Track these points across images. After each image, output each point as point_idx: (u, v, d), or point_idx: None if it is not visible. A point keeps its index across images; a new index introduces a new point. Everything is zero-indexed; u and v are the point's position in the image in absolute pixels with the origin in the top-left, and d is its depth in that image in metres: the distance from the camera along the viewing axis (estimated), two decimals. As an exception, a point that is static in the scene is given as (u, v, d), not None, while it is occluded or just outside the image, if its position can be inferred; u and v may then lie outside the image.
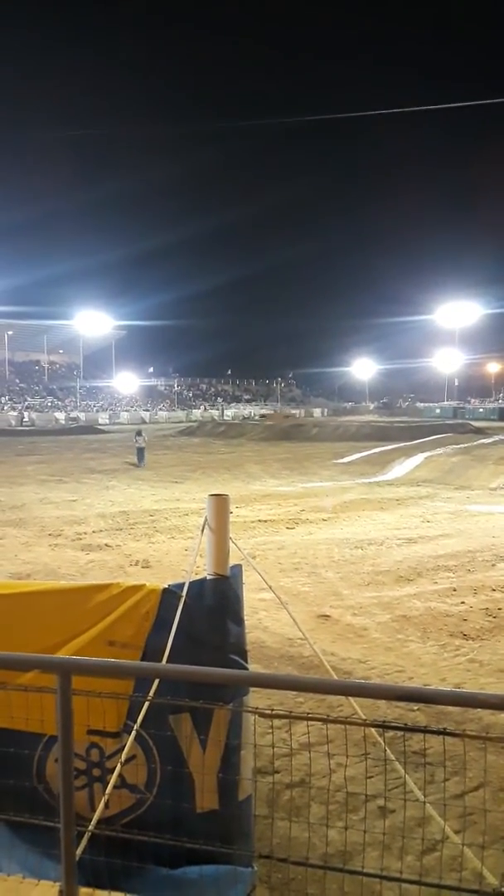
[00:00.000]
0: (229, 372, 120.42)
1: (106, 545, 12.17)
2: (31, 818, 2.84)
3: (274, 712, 2.47)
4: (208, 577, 3.41)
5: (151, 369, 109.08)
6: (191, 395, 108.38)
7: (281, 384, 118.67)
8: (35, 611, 3.60)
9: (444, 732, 2.33)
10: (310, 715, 2.48)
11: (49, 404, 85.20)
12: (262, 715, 2.47)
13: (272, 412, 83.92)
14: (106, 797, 2.97)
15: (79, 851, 2.54)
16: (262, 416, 78.41)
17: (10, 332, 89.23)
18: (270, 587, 3.86)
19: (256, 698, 3.36)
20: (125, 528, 13.78)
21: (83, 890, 2.45)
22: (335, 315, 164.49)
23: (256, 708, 2.60)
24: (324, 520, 14.66)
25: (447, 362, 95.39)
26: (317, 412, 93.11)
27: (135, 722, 3.17)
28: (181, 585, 3.39)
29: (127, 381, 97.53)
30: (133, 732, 3.13)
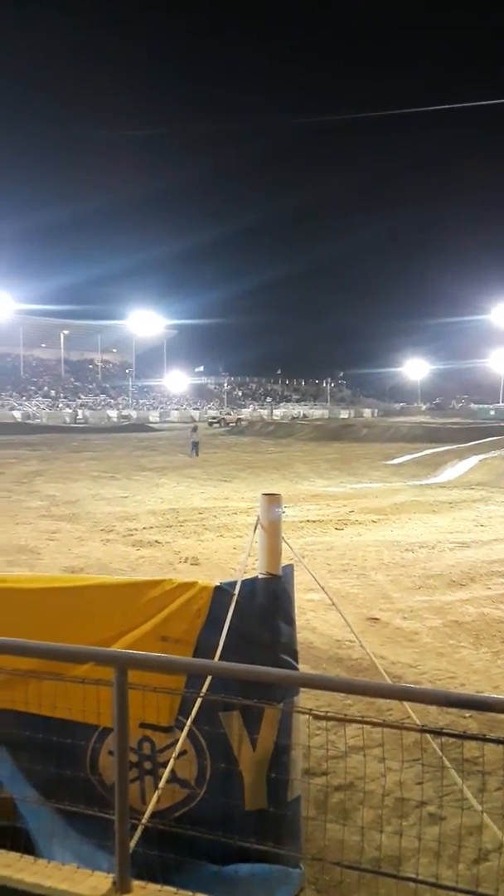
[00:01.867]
0: (279, 371, 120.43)
1: (156, 542, 12.32)
2: (85, 809, 2.89)
3: (327, 714, 2.45)
4: (260, 576, 3.42)
5: (201, 368, 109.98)
6: (240, 394, 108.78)
7: (330, 384, 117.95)
8: (90, 604, 3.67)
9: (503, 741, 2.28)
10: (364, 718, 2.46)
11: (102, 402, 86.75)
12: (316, 716, 2.46)
13: (226, 414, 78.65)
14: (159, 791, 3.01)
15: (132, 844, 2.57)
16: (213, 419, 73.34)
17: (65, 332, 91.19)
18: (322, 588, 3.84)
19: (305, 699, 3.35)
20: (175, 526, 13.92)
21: (136, 882, 2.49)
22: (387, 314, 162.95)
23: (310, 709, 2.59)
24: (373, 521, 14.51)
25: (503, 362, 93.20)
26: (367, 413, 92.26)
27: (186, 718, 3.20)
28: (233, 583, 3.40)
29: (177, 380, 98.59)
30: (185, 728, 3.16)
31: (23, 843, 2.94)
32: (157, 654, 3.02)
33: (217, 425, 67.24)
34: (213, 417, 75.49)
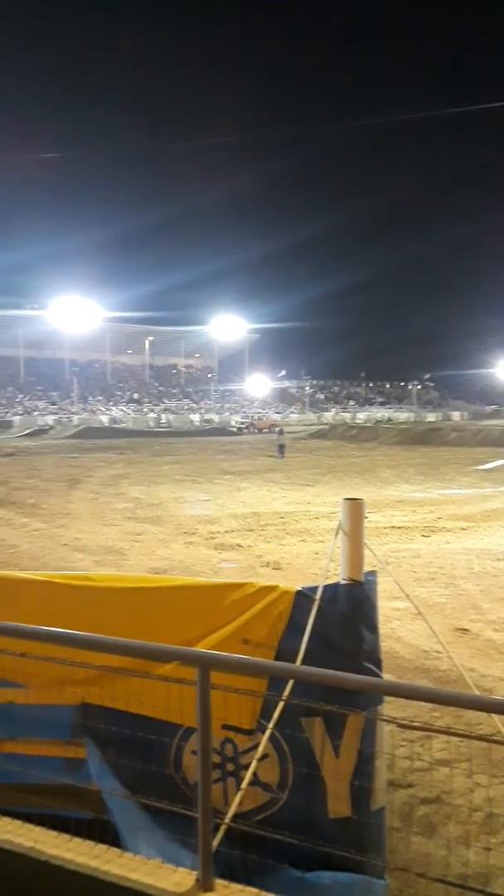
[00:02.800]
0: (363, 374, 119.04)
1: (237, 545, 12.42)
2: (169, 805, 2.94)
3: (413, 724, 2.40)
4: (342, 582, 3.38)
5: (283, 372, 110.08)
6: (322, 397, 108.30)
7: (417, 386, 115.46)
8: (174, 605, 3.74)
9: None
10: (451, 730, 2.38)
11: (185, 407, 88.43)
12: (401, 726, 2.41)
13: (255, 418, 72.99)
14: (241, 792, 3.02)
15: (215, 843, 2.60)
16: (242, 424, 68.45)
17: (150, 339, 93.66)
18: (407, 596, 3.76)
19: (389, 709, 3.29)
20: (256, 529, 13.99)
21: (218, 881, 2.51)
22: (477, 314, 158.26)
23: (394, 718, 2.54)
24: (462, 528, 14.09)
25: None
26: (455, 416, 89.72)
27: (268, 721, 3.20)
28: (314, 588, 3.38)
29: (259, 384, 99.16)
30: (267, 731, 3.17)
31: (110, 836, 3.02)
32: (239, 655, 3.04)
33: (246, 431, 63.48)
34: (241, 422, 70.34)
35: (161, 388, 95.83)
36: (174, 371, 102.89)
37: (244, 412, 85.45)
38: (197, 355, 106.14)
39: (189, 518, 15.47)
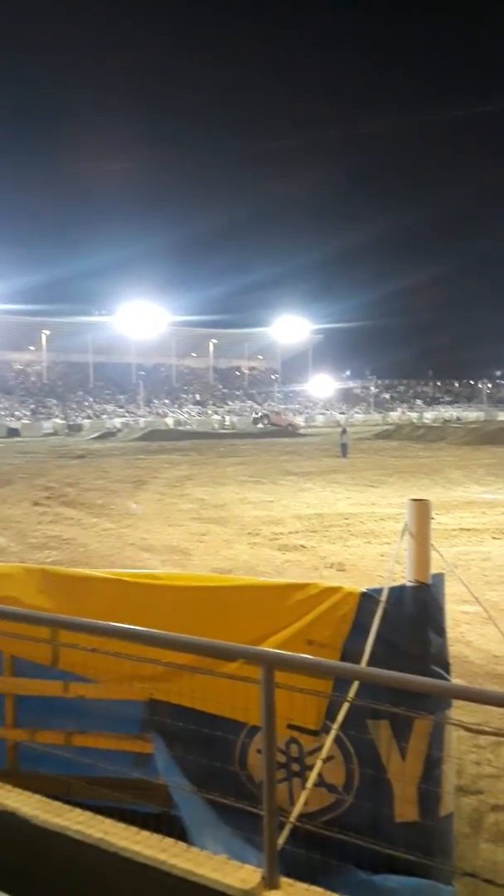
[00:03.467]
0: (430, 372, 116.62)
1: (301, 546, 12.39)
2: (235, 802, 2.98)
3: (483, 729, 2.35)
4: (408, 584, 3.34)
5: (348, 372, 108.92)
6: (388, 397, 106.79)
7: (487, 385, 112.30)
8: (238, 604, 3.78)
9: None
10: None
11: (248, 408, 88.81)
12: (470, 730, 2.36)
13: (273, 412, 70.85)
14: (306, 792, 3.03)
15: (280, 841, 2.61)
16: (258, 415, 65.69)
17: (214, 341, 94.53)
18: (477, 599, 3.68)
19: (458, 714, 3.22)
20: (320, 531, 13.92)
21: (284, 879, 2.52)
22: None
23: (463, 722, 2.49)
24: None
25: None
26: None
27: (333, 722, 3.19)
28: (380, 590, 3.35)
29: (323, 385, 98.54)
30: (332, 733, 3.16)
31: (176, 830, 3.07)
32: (303, 655, 3.04)
33: (261, 425, 61.63)
34: (257, 414, 68.44)
35: (225, 391, 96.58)
36: (238, 373, 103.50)
37: (307, 413, 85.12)
38: (260, 357, 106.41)
39: (253, 519, 15.53)
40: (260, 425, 60.54)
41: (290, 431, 57.28)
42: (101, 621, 3.24)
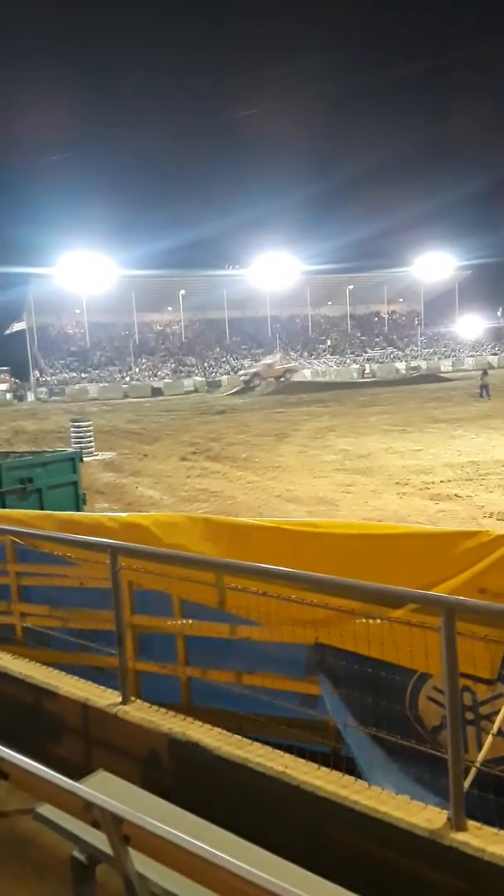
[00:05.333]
0: None
1: (455, 495, 12.01)
2: (416, 745, 2.97)
3: None
4: None
5: (501, 310, 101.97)
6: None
7: None
8: (401, 552, 3.71)
9: None
10: None
11: (389, 355, 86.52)
12: None
13: (264, 365, 56.87)
14: (490, 738, 2.96)
15: (466, 784, 2.58)
16: (246, 376, 52.56)
17: (350, 287, 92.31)
18: None
19: None
20: (475, 479, 13.40)
21: (471, 822, 2.50)
22: None
23: None
24: None
25: None
26: None
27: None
28: None
29: (471, 325, 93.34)
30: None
31: (344, 770, 3.12)
32: (484, 602, 2.94)
33: (251, 389, 50.28)
34: (244, 373, 55.31)
35: (363, 338, 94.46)
36: (376, 319, 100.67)
37: (454, 357, 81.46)
38: (401, 300, 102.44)
39: (400, 468, 15.24)
40: (251, 387, 50.33)
41: (285, 381, 49.00)
42: (270, 565, 3.31)
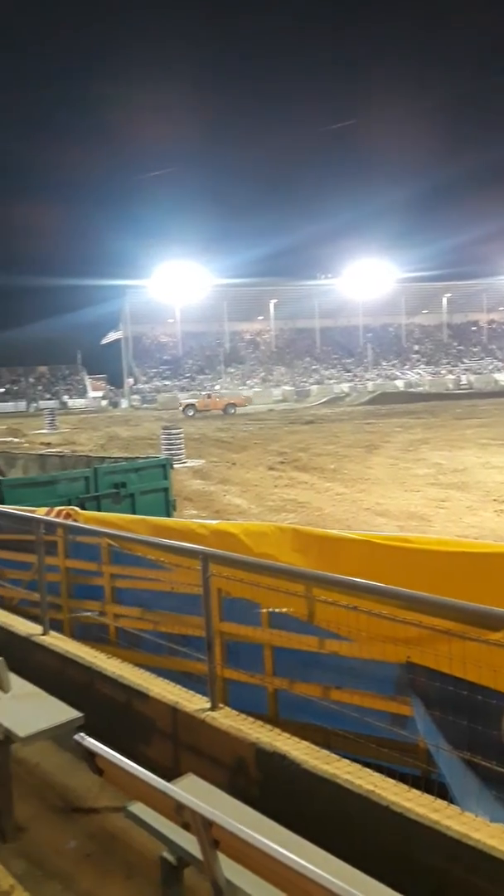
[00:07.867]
0: None
1: None
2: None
3: None
4: None
5: None
6: None
7: None
8: (500, 572, 3.58)
9: None
10: None
11: (488, 366, 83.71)
12: None
13: (205, 396, 55.88)
14: None
15: None
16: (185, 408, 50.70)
17: (447, 295, 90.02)
18: None
19: None
20: None
21: None
22: None
23: None
24: None
25: None
26: None
27: None
28: None
29: None
30: None
31: (435, 794, 3.03)
32: None
33: (192, 414, 49.07)
34: (184, 402, 53.49)
35: (460, 348, 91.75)
36: (474, 328, 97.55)
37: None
38: (501, 308, 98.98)
39: (499, 485, 14.71)
40: (190, 412, 49.77)
41: (231, 412, 48.64)
42: (361, 580, 3.26)
